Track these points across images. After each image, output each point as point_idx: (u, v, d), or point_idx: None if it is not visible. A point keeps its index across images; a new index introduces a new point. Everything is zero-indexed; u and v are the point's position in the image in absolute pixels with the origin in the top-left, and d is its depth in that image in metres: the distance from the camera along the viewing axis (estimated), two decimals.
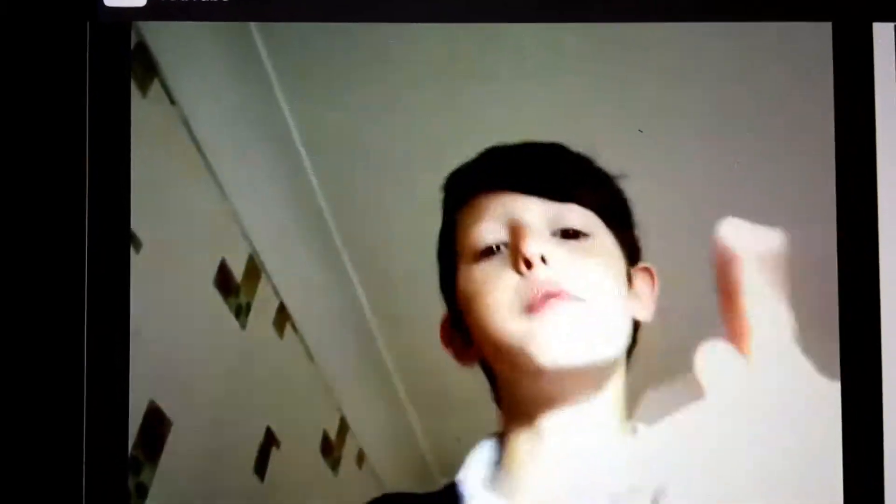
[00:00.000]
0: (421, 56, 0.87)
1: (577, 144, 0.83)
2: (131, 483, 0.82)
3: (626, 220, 0.81)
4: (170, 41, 0.87)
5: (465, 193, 0.81)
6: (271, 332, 0.99)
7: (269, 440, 0.94)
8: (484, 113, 0.87)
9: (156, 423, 0.87)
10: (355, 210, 0.95)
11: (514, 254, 0.76)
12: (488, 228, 0.78)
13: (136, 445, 0.84)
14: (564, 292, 0.74)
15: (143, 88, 0.87)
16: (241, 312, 0.97)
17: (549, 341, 0.73)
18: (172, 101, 0.90)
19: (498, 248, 0.77)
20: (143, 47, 0.86)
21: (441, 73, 0.88)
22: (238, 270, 0.97)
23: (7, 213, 0.82)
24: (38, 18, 0.82)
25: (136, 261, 0.83)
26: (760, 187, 0.84)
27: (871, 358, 0.80)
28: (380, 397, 0.98)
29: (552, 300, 0.74)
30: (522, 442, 0.77)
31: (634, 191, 0.82)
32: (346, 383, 1.00)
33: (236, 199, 0.95)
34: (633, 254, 0.81)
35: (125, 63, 0.82)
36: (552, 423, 0.76)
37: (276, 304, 0.99)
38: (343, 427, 0.99)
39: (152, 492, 0.85)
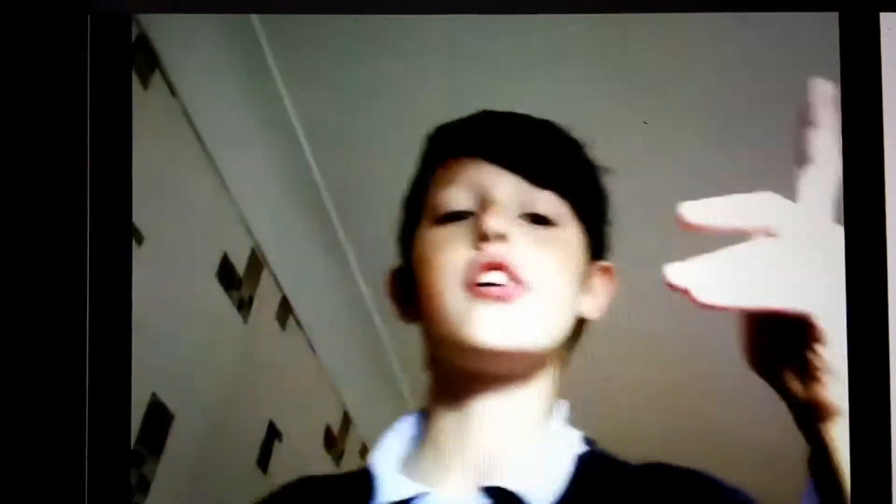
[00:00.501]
0: (423, 47, 0.87)
1: (577, 134, 0.83)
2: (133, 476, 0.82)
3: (600, 215, 0.80)
4: (171, 33, 0.87)
5: (446, 152, 0.80)
6: (273, 325, 0.99)
7: (272, 433, 0.94)
8: (486, 103, 0.87)
9: (158, 416, 0.87)
10: (357, 203, 0.95)
11: (475, 226, 0.75)
12: (458, 194, 0.77)
13: (138, 439, 0.84)
14: (510, 269, 0.73)
15: (145, 81, 0.86)
16: (244, 306, 0.97)
17: (485, 321, 0.72)
18: (174, 94, 0.90)
19: (463, 215, 0.76)
20: (143, 40, 0.86)
21: (443, 64, 0.88)
22: (240, 264, 0.97)
23: (9, 206, 0.82)
24: (38, 11, 0.81)
25: (139, 254, 0.82)
26: (767, 176, 0.83)
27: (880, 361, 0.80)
28: (382, 390, 0.98)
29: (493, 272, 0.73)
30: (448, 422, 0.76)
31: (636, 183, 0.82)
32: (348, 376, 1.00)
33: (238, 192, 0.95)
34: (597, 250, 0.80)
35: (126, 55, 0.81)
36: (479, 406, 0.75)
37: (278, 298, 0.99)
38: (346, 420, 0.99)
39: (154, 485, 0.85)
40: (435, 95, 0.88)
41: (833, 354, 0.55)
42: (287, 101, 0.93)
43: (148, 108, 0.85)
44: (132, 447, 0.82)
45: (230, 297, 0.96)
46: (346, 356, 1.00)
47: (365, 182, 0.93)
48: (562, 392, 0.78)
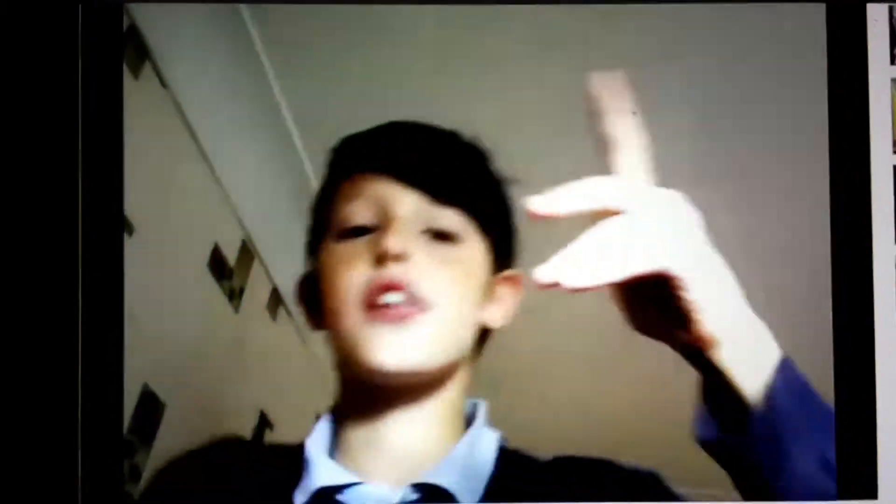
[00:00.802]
0: (414, 37, 0.87)
1: (569, 127, 0.83)
2: (126, 466, 0.82)
3: (504, 228, 0.80)
4: (161, 24, 0.87)
5: (351, 166, 0.79)
6: (265, 315, 0.99)
7: (263, 423, 0.94)
8: (477, 93, 0.87)
9: (149, 406, 0.87)
10: None
11: (376, 243, 0.75)
12: (360, 209, 0.76)
13: (130, 429, 0.84)
14: (408, 289, 0.73)
15: (135, 71, 0.86)
16: (235, 296, 0.97)
17: (381, 343, 0.73)
18: (164, 85, 0.90)
19: (365, 230, 0.76)
20: (134, 30, 0.86)
21: (433, 55, 0.88)
22: (231, 254, 0.97)
23: (0, 197, 0.81)
24: (29, 1, 0.81)
25: (129, 245, 0.82)
26: (754, 166, 0.84)
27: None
28: None
29: (390, 293, 0.73)
30: (357, 428, 0.77)
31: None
32: None
33: (229, 183, 0.95)
34: (503, 261, 0.80)
35: (117, 45, 0.81)
36: (389, 416, 0.76)
37: (269, 288, 0.99)
38: None
39: (146, 474, 0.85)
40: (426, 86, 0.88)
41: (696, 295, 0.61)
42: (277, 91, 0.93)
43: (138, 98, 0.85)
44: (124, 437, 0.82)
45: (221, 287, 0.96)
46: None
47: None
48: (478, 392, 0.80)
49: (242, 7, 0.89)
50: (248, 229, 0.98)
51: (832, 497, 0.67)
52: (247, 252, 0.98)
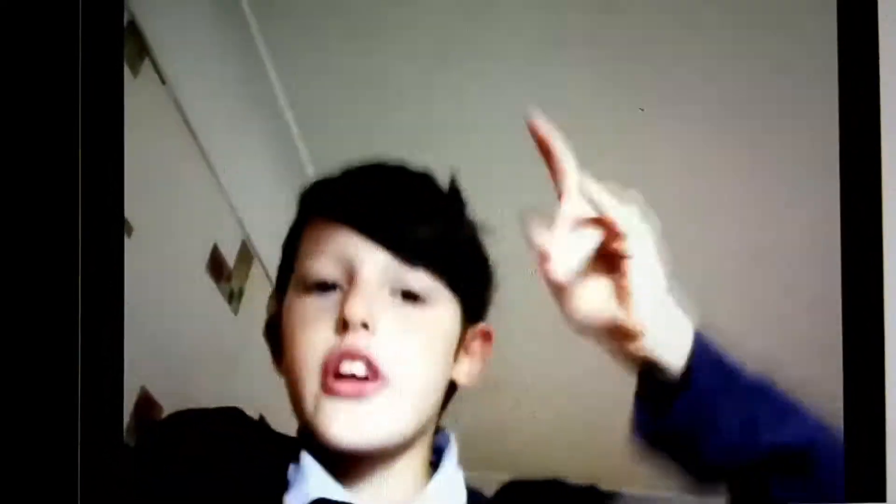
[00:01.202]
0: (414, 31, 0.87)
1: (572, 122, 0.83)
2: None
3: (478, 283, 0.77)
4: (161, 20, 0.87)
5: (315, 212, 0.76)
6: (263, 317, 0.98)
7: None
8: (477, 87, 0.87)
9: (148, 409, 0.87)
10: None
11: (339, 306, 0.71)
12: (325, 264, 0.73)
13: (128, 432, 0.83)
14: (369, 361, 0.70)
15: (134, 69, 0.86)
16: (234, 298, 0.97)
17: (337, 419, 0.70)
18: (163, 82, 0.90)
19: (330, 285, 0.72)
20: (133, 27, 0.85)
21: (434, 48, 0.88)
22: (230, 255, 0.97)
23: (0, 197, 0.81)
24: None
25: (128, 245, 0.82)
26: (764, 162, 0.83)
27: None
28: None
29: (350, 362, 0.69)
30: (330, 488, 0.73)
31: (636, 169, 0.82)
32: None
33: (228, 183, 0.95)
34: (475, 315, 0.77)
35: (117, 41, 0.81)
36: (353, 476, 0.73)
37: (268, 290, 0.99)
38: None
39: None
40: (425, 81, 0.88)
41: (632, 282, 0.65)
42: (278, 90, 0.93)
43: (137, 96, 0.85)
44: (123, 438, 0.81)
45: (220, 289, 0.96)
46: None
47: None
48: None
49: (243, 4, 0.89)
50: (248, 230, 0.97)
51: (841, 499, 0.68)
52: (246, 253, 0.98)
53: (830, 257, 0.80)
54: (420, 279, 0.72)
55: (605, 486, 0.76)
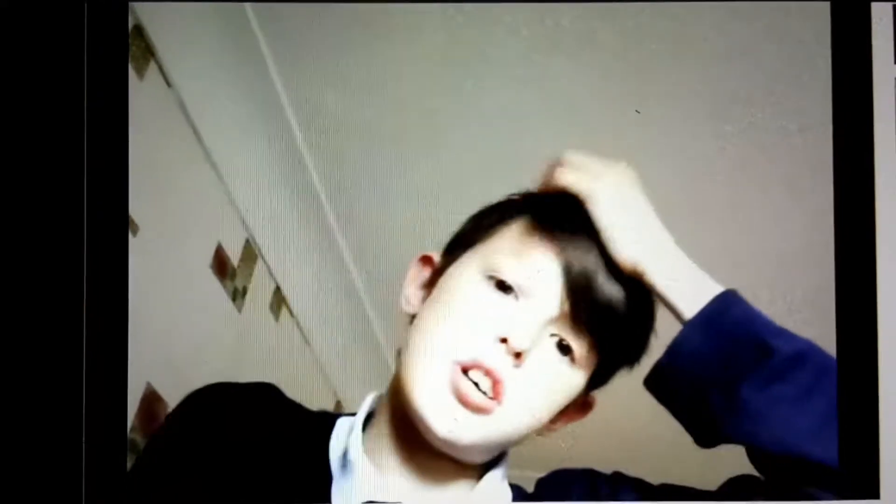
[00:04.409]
0: (417, 37, 0.87)
1: (572, 126, 0.83)
2: (129, 464, 0.82)
3: (624, 363, 0.77)
4: (166, 24, 0.87)
5: (540, 219, 0.75)
6: (267, 315, 0.99)
7: None
8: (480, 93, 0.87)
9: (152, 405, 0.87)
10: (351, 193, 0.95)
11: (507, 315, 0.72)
12: (519, 271, 0.73)
13: (133, 428, 0.84)
14: (499, 386, 0.71)
15: (140, 71, 0.86)
16: (238, 296, 0.98)
17: (445, 413, 0.72)
18: (169, 84, 0.90)
19: (509, 290, 0.73)
20: (139, 31, 0.86)
21: (437, 54, 0.88)
22: (234, 254, 0.97)
23: (5, 196, 0.82)
24: (36, 0, 0.82)
25: (133, 244, 0.82)
26: (758, 165, 0.84)
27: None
28: (374, 380, 0.98)
29: (484, 378, 0.71)
30: (381, 439, 0.76)
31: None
32: (341, 366, 1.00)
33: (232, 183, 0.95)
34: (594, 386, 0.77)
35: (123, 44, 0.82)
36: (415, 458, 0.75)
37: (272, 288, 0.99)
38: (338, 409, 0.99)
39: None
40: (428, 84, 0.89)
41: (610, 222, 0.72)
42: (281, 92, 0.93)
43: (143, 99, 0.85)
44: (127, 435, 0.82)
45: (224, 287, 0.96)
46: (338, 346, 1.00)
47: (359, 173, 0.93)
48: None
49: (247, 7, 0.89)
50: (252, 229, 0.98)
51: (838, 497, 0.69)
52: (250, 252, 0.98)
53: (824, 258, 0.80)
54: (584, 344, 0.74)
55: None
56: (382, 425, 0.76)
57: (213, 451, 0.75)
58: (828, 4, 0.81)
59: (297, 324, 0.99)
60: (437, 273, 0.77)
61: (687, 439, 0.72)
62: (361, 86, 0.89)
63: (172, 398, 0.88)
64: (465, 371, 0.71)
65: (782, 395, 0.70)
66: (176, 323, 0.90)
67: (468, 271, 0.75)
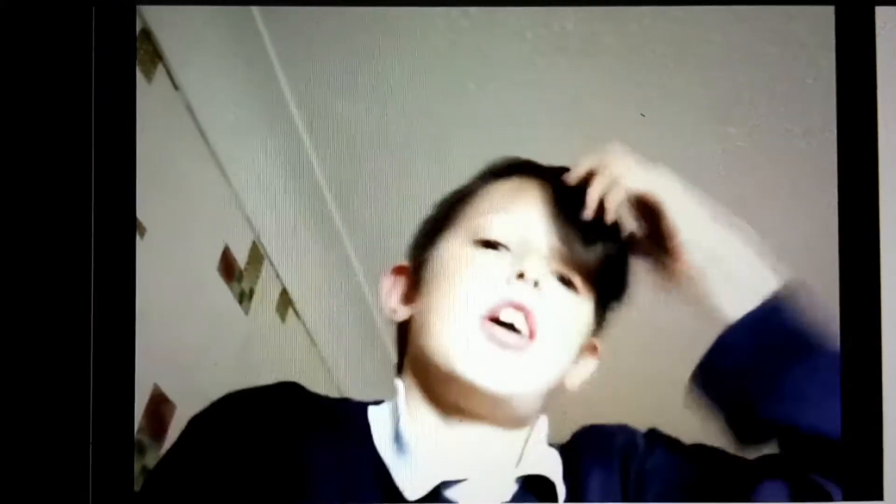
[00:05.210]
0: (423, 42, 0.88)
1: (576, 129, 0.83)
2: (137, 465, 0.83)
3: (615, 297, 0.81)
4: (173, 27, 0.87)
5: (508, 173, 0.80)
6: (274, 317, 0.99)
7: None
8: (485, 98, 0.87)
9: (160, 407, 0.88)
10: (357, 196, 0.96)
11: (514, 261, 0.75)
12: (504, 226, 0.77)
13: (140, 429, 0.84)
14: (531, 317, 0.74)
15: (148, 74, 0.87)
16: (244, 298, 0.98)
17: (480, 359, 0.74)
18: (176, 87, 0.90)
19: (499, 246, 0.77)
20: (147, 34, 0.86)
21: (443, 59, 0.88)
22: (241, 256, 0.97)
23: (14, 199, 0.82)
24: (44, 3, 0.82)
25: (141, 246, 0.83)
26: (762, 168, 0.84)
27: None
28: (380, 381, 0.98)
29: (517, 313, 0.74)
30: (424, 419, 0.77)
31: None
32: (347, 368, 1.00)
33: (239, 185, 0.96)
34: (597, 327, 0.81)
35: (130, 48, 0.82)
36: (455, 421, 0.77)
37: (278, 290, 1.00)
38: None
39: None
40: (434, 87, 0.89)
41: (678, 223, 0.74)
42: (288, 94, 0.93)
43: (151, 101, 0.86)
44: (134, 436, 0.82)
45: (231, 289, 0.96)
46: (344, 348, 1.00)
47: (364, 175, 0.93)
48: None
49: (254, 10, 0.89)
50: (258, 232, 0.98)
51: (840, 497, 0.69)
52: (257, 254, 0.99)
53: (828, 259, 0.80)
54: (579, 277, 0.77)
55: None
56: (417, 407, 0.78)
57: (241, 456, 0.75)
58: (832, 8, 0.81)
59: (304, 325, 0.99)
60: (417, 271, 0.80)
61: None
62: (367, 89, 0.89)
63: (179, 399, 0.89)
64: (494, 320, 0.74)
65: (827, 381, 0.73)
66: (183, 324, 0.90)
67: (453, 246, 0.78)
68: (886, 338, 0.80)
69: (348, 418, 0.78)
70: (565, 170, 0.78)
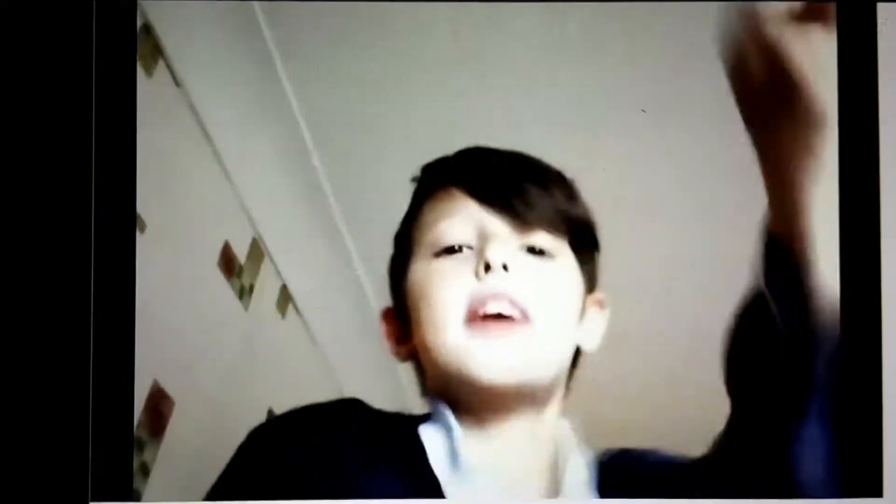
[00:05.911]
0: (423, 36, 0.88)
1: (577, 125, 0.83)
2: (136, 462, 0.83)
3: (591, 247, 0.82)
4: (174, 22, 0.87)
5: (440, 184, 0.82)
6: (274, 313, 0.99)
7: None
8: (485, 93, 0.87)
9: (159, 403, 0.87)
10: (358, 191, 0.95)
11: (477, 257, 0.77)
12: (456, 227, 0.79)
13: (139, 425, 0.84)
14: (513, 299, 0.75)
15: (149, 69, 0.87)
16: (244, 294, 0.98)
17: (486, 358, 0.75)
18: (177, 83, 0.90)
19: (460, 248, 0.78)
20: (147, 29, 0.86)
21: (443, 53, 0.88)
22: (241, 252, 0.97)
23: (14, 194, 0.82)
24: None
25: (141, 242, 0.83)
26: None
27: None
28: (381, 378, 0.98)
29: (494, 302, 0.75)
30: (468, 436, 0.78)
31: (635, 171, 0.82)
32: (347, 364, 1.00)
33: (240, 181, 0.95)
34: (591, 282, 0.82)
35: (131, 42, 0.82)
36: (497, 427, 0.78)
37: (278, 286, 1.00)
38: None
39: (154, 470, 0.85)
40: (437, 84, 0.89)
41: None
42: (289, 90, 0.93)
43: (151, 96, 0.86)
44: (134, 433, 0.82)
45: (231, 285, 0.96)
46: (345, 344, 1.00)
47: (366, 172, 0.93)
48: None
49: (255, 5, 0.89)
50: (259, 227, 0.98)
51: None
52: (257, 250, 0.98)
53: (828, 258, 0.80)
54: (543, 237, 0.78)
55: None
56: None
57: (300, 472, 0.78)
58: (833, 5, 0.81)
59: (304, 322, 0.99)
60: (400, 307, 0.82)
61: None
62: (370, 86, 0.89)
63: (179, 395, 0.89)
64: (483, 317, 0.75)
65: None
66: (183, 320, 0.90)
67: (420, 267, 0.80)
68: (887, 334, 0.80)
69: (402, 436, 0.80)
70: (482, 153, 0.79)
